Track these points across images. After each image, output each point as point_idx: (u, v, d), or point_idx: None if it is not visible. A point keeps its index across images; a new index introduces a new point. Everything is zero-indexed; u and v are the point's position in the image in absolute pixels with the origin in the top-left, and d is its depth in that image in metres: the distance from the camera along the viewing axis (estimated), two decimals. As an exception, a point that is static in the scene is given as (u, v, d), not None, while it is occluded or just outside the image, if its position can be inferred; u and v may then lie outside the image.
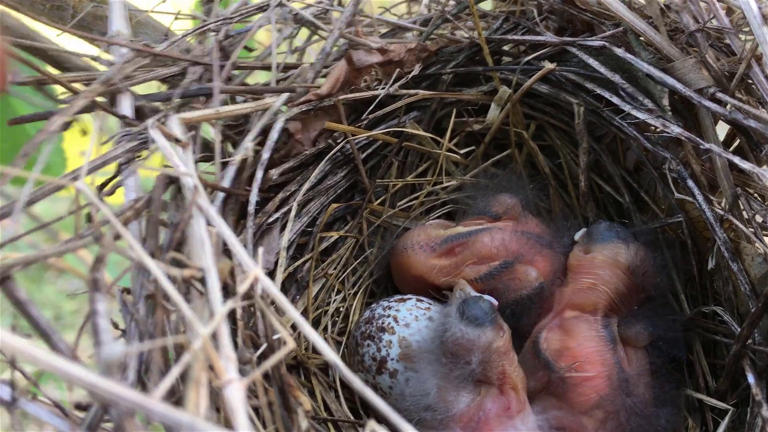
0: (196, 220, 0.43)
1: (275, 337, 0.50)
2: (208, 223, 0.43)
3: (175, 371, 0.33)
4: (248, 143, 0.58)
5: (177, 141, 0.49)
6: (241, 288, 0.39)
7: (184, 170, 0.46)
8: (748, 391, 0.60)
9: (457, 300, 0.62)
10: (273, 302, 0.52)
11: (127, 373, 0.42)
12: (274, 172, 0.63)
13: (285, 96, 0.61)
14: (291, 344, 0.38)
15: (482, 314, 0.58)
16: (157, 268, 0.38)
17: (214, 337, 0.35)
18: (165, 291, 0.38)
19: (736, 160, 0.58)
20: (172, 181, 0.50)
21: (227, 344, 0.35)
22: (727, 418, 0.62)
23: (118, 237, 0.44)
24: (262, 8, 0.66)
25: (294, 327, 0.67)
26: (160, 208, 0.49)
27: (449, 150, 0.75)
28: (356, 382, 0.36)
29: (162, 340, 0.42)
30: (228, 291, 0.50)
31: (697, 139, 0.60)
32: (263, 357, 0.49)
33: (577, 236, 0.70)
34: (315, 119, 0.66)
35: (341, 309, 0.73)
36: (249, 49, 0.73)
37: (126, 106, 0.56)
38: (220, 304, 0.38)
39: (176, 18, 0.71)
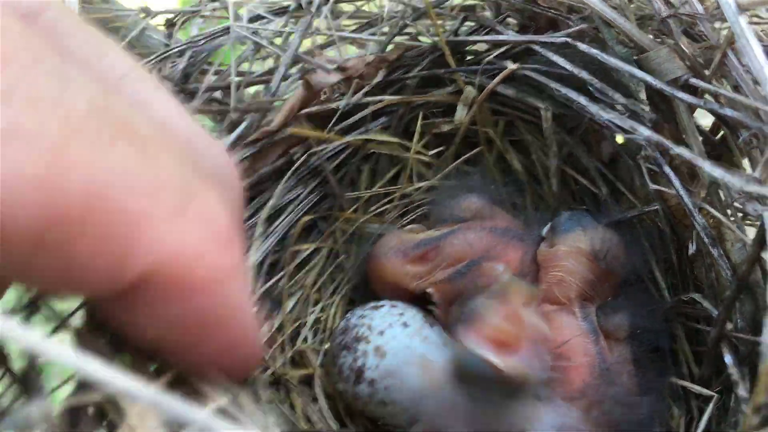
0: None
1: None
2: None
3: None
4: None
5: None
6: None
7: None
8: (730, 378, 0.59)
9: None
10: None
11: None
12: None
13: (234, 135, 0.57)
14: None
15: None
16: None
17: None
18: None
19: (707, 167, 0.54)
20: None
21: None
22: (711, 405, 0.59)
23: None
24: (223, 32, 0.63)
25: (274, 339, 0.66)
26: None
27: (419, 152, 0.71)
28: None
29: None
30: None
31: (666, 143, 0.56)
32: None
33: (544, 232, 0.66)
34: (270, 151, 0.62)
35: (321, 319, 0.70)
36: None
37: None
38: None
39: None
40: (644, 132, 0.57)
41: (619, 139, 0.64)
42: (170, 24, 0.68)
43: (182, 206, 0.27)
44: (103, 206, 0.25)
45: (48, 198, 0.24)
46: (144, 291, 0.27)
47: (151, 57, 0.62)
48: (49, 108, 0.24)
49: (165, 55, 0.62)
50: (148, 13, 0.71)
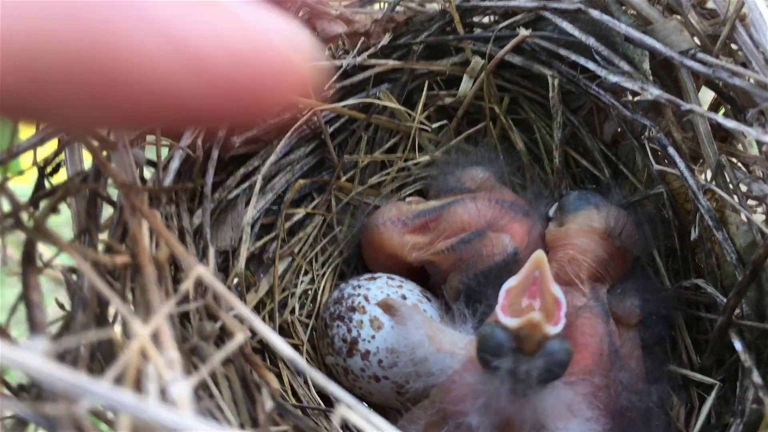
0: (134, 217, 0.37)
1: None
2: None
3: (111, 373, 0.27)
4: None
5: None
6: (184, 286, 0.33)
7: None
8: (734, 366, 0.56)
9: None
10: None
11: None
12: (237, 140, 0.57)
13: None
14: (240, 337, 0.33)
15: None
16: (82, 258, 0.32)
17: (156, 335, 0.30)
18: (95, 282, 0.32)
19: (720, 119, 0.53)
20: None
21: (170, 345, 0.29)
22: (713, 393, 0.57)
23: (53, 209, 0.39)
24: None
25: (259, 308, 0.62)
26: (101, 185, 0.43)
27: (421, 123, 0.69)
28: (319, 378, 0.31)
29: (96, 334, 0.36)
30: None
31: (678, 100, 0.55)
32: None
33: (551, 212, 0.64)
34: None
35: (309, 291, 0.67)
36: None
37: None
38: (159, 302, 0.33)
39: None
40: (654, 91, 0.55)
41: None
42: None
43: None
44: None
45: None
46: None
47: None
48: None
49: None
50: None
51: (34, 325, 0.30)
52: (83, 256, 0.32)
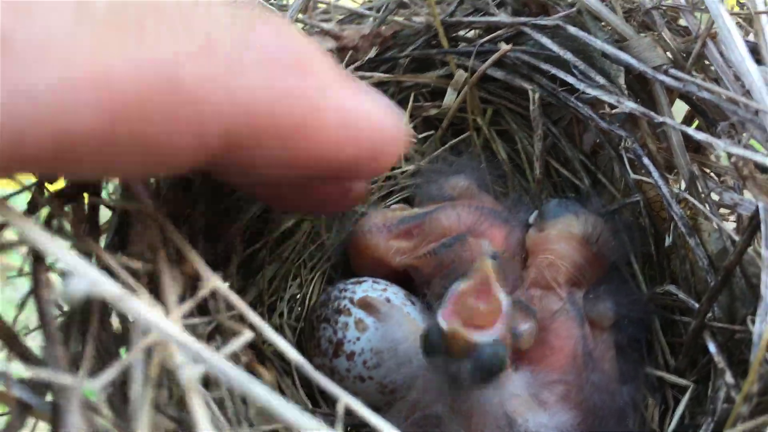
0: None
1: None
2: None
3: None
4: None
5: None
6: (201, 293, 0.35)
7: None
8: (707, 368, 0.58)
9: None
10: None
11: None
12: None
13: None
14: (248, 335, 0.34)
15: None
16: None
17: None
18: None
19: (690, 131, 0.56)
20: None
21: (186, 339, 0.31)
22: (687, 394, 0.59)
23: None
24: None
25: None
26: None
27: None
28: (322, 380, 0.32)
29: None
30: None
31: (651, 113, 0.58)
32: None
33: (531, 219, 0.67)
34: None
35: (298, 295, 0.69)
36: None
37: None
38: (175, 304, 0.34)
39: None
40: (629, 104, 0.58)
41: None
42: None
43: (230, 67, 0.29)
44: (161, 89, 0.27)
45: (104, 95, 0.26)
46: (240, 148, 0.30)
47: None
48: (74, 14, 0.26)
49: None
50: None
51: (46, 322, 0.32)
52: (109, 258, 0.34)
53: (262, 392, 0.26)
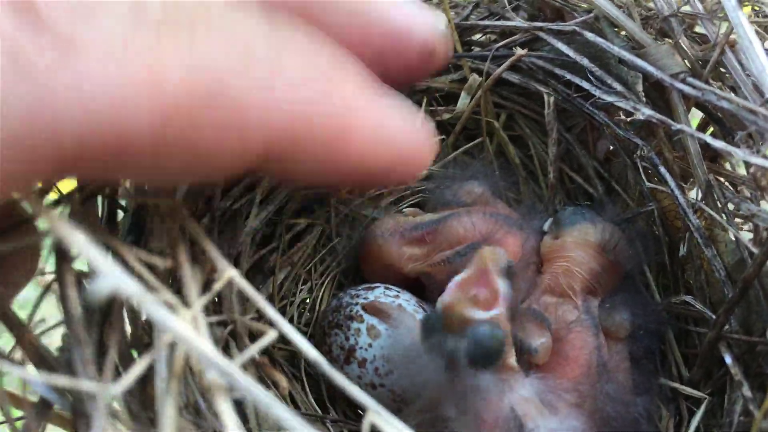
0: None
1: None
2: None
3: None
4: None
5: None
6: (217, 286, 0.34)
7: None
8: (723, 380, 0.57)
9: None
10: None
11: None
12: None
13: None
14: (273, 335, 0.34)
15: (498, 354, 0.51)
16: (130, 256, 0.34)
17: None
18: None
19: (708, 139, 0.55)
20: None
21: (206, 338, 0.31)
22: (703, 407, 0.58)
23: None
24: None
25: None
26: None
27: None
28: (340, 379, 0.32)
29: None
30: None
31: (668, 120, 0.57)
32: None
33: (546, 226, 0.67)
34: None
35: (308, 300, 0.68)
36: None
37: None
38: (196, 297, 0.33)
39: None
40: (646, 111, 0.57)
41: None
42: None
43: (271, 77, 0.30)
44: (210, 96, 0.28)
45: (158, 98, 0.26)
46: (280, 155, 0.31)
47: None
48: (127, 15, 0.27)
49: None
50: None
51: (71, 321, 0.31)
52: (130, 255, 0.34)
53: (284, 415, 0.25)
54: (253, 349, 0.29)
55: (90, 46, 0.25)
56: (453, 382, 0.51)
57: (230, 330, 0.43)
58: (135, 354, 0.39)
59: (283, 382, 0.42)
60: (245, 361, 0.29)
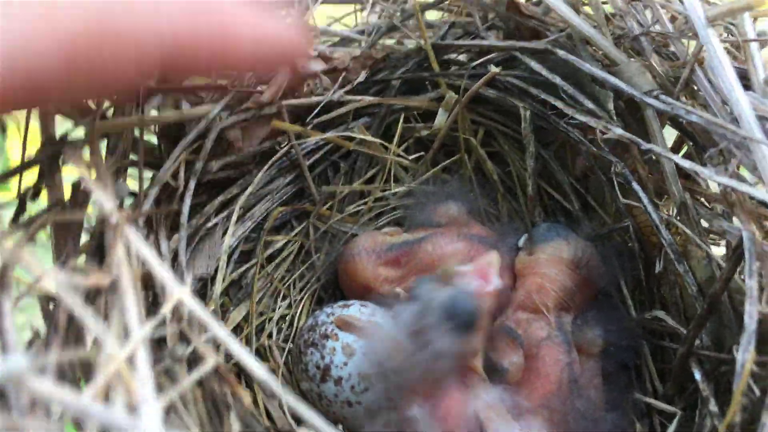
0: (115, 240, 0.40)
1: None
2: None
3: (88, 392, 0.30)
4: (178, 152, 0.56)
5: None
6: (164, 309, 0.35)
7: (97, 197, 0.42)
8: (695, 395, 0.58)
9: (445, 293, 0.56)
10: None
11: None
12: (214, 165, 0.59)
13: (222, 103, 0.58)
14: (211, 362, 0.35)
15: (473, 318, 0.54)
16: (60, 276, 0.35)
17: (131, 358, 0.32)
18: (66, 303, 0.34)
19: (677, 159, 0.56)
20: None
21: (144, 368, 0.32)
22: (675, 422, 0.59)
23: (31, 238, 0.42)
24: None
25: (236, 332, 0.64)
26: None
27: (398, 155, 0.72)
28: (288, 398, 0.33)
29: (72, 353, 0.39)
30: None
31: (638, 139, 0.58)
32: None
33: (521, 242, 0.67)
34: (257, 127, 0.62)
35: (287, 315, 0.69)
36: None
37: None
38: (137, 325, 0.34)
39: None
40: (617, 130, 0.58)
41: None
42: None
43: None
44: (103, 26, 0.35)
45: (60, 37, 0.34)
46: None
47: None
48: None
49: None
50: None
51: (6, 348, 0.32)
52: (60, 279, 0.35)
53: None
54: (191, 379, 0.30)
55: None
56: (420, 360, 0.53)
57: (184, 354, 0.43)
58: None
59: (246, 399, 0.43)
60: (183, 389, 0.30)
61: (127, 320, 0.33)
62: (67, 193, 0.47)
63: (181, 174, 0.56)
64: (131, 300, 0.34)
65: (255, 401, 0.61)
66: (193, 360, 0.45)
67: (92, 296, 0.42)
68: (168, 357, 0.44)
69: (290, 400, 0.33)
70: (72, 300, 0.33)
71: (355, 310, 0.64)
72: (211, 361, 0.32)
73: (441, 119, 0.71)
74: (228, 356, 0.57)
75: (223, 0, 0.41)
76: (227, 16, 0.41)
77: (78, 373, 0.41)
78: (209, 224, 0.60)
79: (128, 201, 0.53)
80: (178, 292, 0.34)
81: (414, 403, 0.53)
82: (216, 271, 0.60)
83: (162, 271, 0.35)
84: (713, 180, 0.55)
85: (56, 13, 0.33)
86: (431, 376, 0.53)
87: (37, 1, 0.33)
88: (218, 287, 0.59)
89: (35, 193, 0.49)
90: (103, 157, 0.46)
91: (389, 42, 0.69)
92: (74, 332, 0.42)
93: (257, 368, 0.33)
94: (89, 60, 0.35)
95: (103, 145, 0.50)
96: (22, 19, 0.33)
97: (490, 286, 0.55)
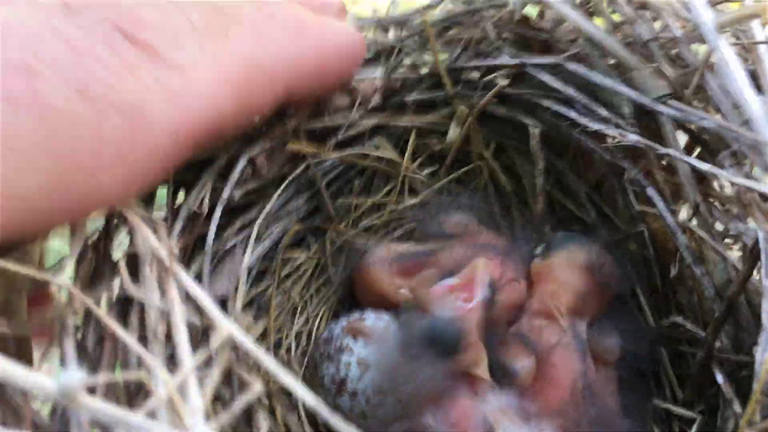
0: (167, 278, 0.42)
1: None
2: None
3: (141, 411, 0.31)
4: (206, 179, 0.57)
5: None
6: (213, 345, 0.37)
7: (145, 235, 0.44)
8: (715, 400, 0.58)
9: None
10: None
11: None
12: (236, 193, 0.60)
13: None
14: (258, 389, 0.35)
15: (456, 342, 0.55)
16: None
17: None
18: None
19: (693, 161, 0.56)
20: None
21: (195, 394, 0.33)
22: (695, 427, 0.58)
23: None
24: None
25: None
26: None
27: (412, 170, 0.73)
28: (324, 411, 0.33)
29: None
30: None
31: (655, 144, 0.58)
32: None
33: (538, 251, 0.68)
34: (279, 152, 0.64)
35: (304, 330, 0.70)
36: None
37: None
38: (189, 357, 0.36)
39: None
40: (632, 137, 0.59)
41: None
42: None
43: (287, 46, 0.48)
44: (253, 72, 0.45)
45: (229, 85, 0.43)
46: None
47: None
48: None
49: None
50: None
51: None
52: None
53: None
54: (241, 403, 0.31)
55: (182, 65, 0.39)
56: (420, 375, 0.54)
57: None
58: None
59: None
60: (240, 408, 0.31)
61: (178, 351, 0.35)
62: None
63: (206, 200, 0.57)
64: (183, 333, 0.36)
65: (273, 414, 0.62)
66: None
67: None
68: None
69: (334, 421, 0.33)
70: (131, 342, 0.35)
71: (371, 322, 0.65)
72: (257, 387, 0.33)
73: (454, 133, 0.72)
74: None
75: (307, 24, 0.49)
76: (325, 36, 0.51)
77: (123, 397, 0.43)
78: (228, 245, 0.61)
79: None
80: (227, 328, 0.36)
81: (425, 410, 0.54)
82: (236, 290, 0.61)
83: (212, 309, 0.37)
84: (732, 181, 0.55)
85: (224, 70, 0.41)
86: (433, 392, 0.54)
87: (209, 61, 0.41)
88: (239, 305, 0.60)
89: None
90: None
91: (405, 62, 0.70)
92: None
93: (308, 396, 0.33)
94: (245, 103, 0.44)
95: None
96: (204, 75, 0.40)
97: (474, 301, 0.55)
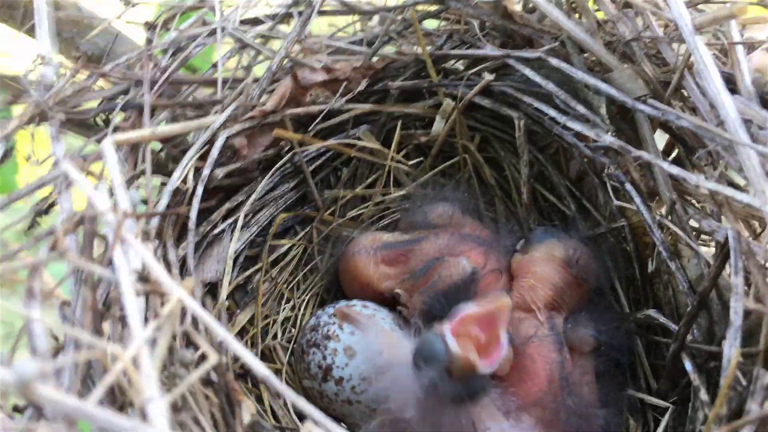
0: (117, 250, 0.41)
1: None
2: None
3: (98, 390, 0.32)
4: (187, 160, 0.58)
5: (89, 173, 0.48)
6: (164, 311, 0.37)
7: (99, 206, 0.43)
8: (687, 390, 0.60)
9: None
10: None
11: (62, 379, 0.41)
12: (220, 172, 0.61)
13: (227, 113, 0.60)
14: (213, 359, 0.36)
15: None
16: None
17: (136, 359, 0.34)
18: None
19: (665, 165, 0.58)
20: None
21: (148, 367, 0.33)
22: (667, 416, 0.60)
23: (53, 248, 0.44)
24: (210, 33, 0.65)
25: (242, 334, 0.67)
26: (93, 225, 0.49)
27: (397, 161, 0.74)
28: (291, 395, 0.35)
29: (93, 352, 0.41)
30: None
31: (628, 147, 0.60)
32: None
33: (518, 246, 0.70)
34: (261, 135, 0.65)
35: (291, 317, 0.71)
36: (193, 70, 0.73)
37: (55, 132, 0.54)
38: (140, 328, 0.36)
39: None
40: (607, 138, 0.60)
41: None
42: (151, 26, 0.69)
43: None
44: None
45: None
46: None
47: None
48: None
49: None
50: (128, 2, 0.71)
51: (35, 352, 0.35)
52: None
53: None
54: (195, 376, 0.32)
55: None
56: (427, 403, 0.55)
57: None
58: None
59: (250, 408, 0.45)
60: (198, 380, 0.32)
61: (129, 322, 0.35)
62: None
63: (190, 178, 0.58)
64: (132, 302, 0.35)
65: (261, 399, 0.63)
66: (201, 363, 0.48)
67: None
68: (177, 362, 0.46)
69: (293, 396, 0.35)
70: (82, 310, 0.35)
71: (358, 310, 0.66)
72: (213, 358, 0.34)
73: (439, 126, 0.73)
74: (236, 358, 0.60)
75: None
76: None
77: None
78: (216, 231, 0.62)
79: (141, 208, 0.55)
80: (177, 293, 0.36)
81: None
82: (223, 275, 0.62)
83: (160, 273, 0.37)
84: (700, 185, 0.57)
85: None
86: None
87: None
88: (225, 291, 0.61)
89: (49, 207, 0.52)
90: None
91: (389, 49, 0.71)
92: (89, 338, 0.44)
93: (257, 364, 0.35)
94: None
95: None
96: None
97: (492, 365, 0.55)
